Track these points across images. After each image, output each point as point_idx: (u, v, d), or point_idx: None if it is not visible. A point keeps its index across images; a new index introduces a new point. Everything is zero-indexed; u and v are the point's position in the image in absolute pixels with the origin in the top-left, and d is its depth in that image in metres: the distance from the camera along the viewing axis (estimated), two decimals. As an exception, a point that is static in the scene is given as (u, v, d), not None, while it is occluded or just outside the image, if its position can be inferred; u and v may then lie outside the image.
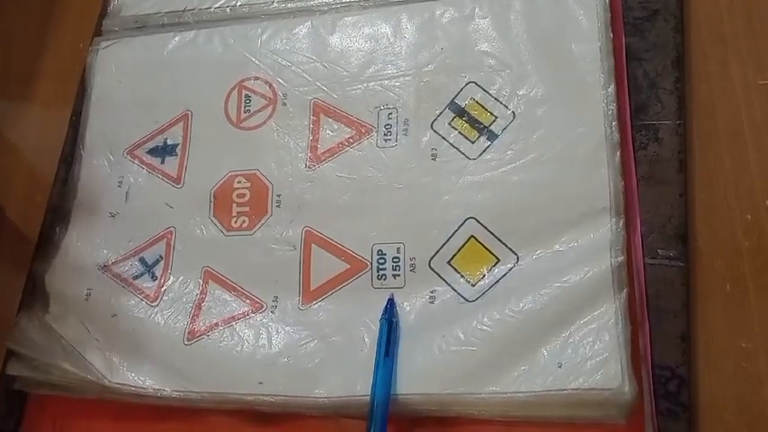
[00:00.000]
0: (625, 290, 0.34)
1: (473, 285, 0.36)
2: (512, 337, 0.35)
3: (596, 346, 0.33)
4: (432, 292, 0.37)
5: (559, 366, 0.33)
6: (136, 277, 0.42)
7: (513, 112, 0.39)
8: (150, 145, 0.45)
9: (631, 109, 0.38)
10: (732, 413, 0.33)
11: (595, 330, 0.33)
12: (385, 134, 0.41)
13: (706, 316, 0.34)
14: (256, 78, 0.45)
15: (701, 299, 0.35)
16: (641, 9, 0.40)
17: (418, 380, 0.35)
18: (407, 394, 0.35)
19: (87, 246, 0.43)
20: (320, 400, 0.36)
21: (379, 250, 0.38)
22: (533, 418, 0.33)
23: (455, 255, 0.37)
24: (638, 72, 0.39)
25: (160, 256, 0.42)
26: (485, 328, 0.35)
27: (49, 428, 0.40)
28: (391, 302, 0.37)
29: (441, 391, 0.34)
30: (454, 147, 0.39)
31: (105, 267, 0.42)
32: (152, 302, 0.41)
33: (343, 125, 0.42)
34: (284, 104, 0.43)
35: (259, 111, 0.44)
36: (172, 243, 0.42)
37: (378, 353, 0.35)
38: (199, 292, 0.40)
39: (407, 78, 0.42)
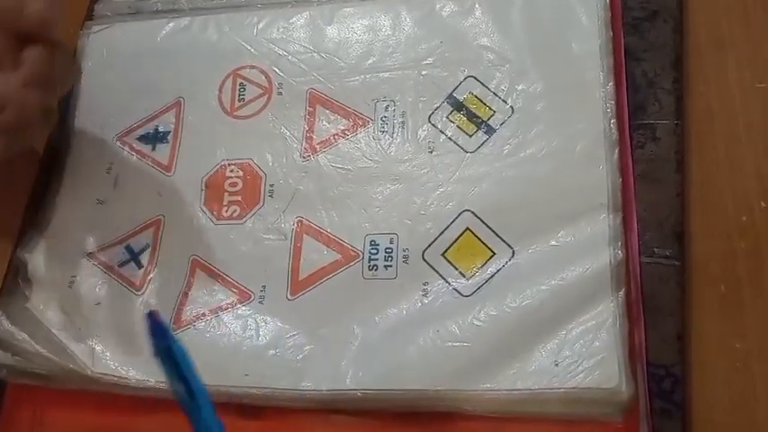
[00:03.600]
0: (623, 288, 0.34)
1: (468, 279, 0.36)
2: (508, 333, 0.34)
3: (594, 345, 0.33)
4: (425, 285, 0.36)
5: (556, 365, 0.33)
6: (121, 265, 0.41)
7: (512, 107, 0.39)
8: (141, 131, 0.44)
9: (629, 108, 0.38)
10: (725, 413, 0.33)
11: (593, 329, 0.33)
12: (382, 126, 0.41)
13: (701, 316, 0.34)
14: (252, 67, 0.44)
15: (696, 298, 0.35)
16: (641, 9, 0.40)
17: (411, 375, 0.34)
18: (400, 390, 0.34)
19: (73, 232, 0.42)
20: (308, 393, 0.35)
21: (371, 241, 0.38)
22: (529, 415, 0.33)
23: (449, 247, 0.37)
24: (636, 72, 0.39)
25: (147, 244, 0.41)
26: (480, 323, 0.35)
27: (29, 419, 0.39)
28: (152, 319, 0.26)
29: (434, 386, 0.34)
30: (452, 140, 0.39)
31: (91, 254, 0.41)
32: (137, 291, 0.40)
33: (339, 116, 0.41)
34: (280, 94, 0.43)
35: (254, 100, 0.43)
36: (160, 231, 0.41)
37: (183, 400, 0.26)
38: (185, 281, 0.40)
39: (406, 71, 0.41)
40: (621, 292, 0.34)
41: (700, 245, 0.36)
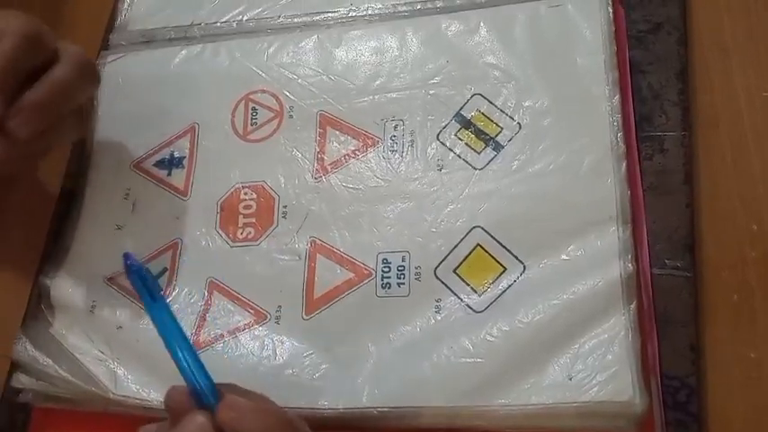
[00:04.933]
0: (635, 300, 0.34)
1: (480, 295, 0.36)
2: (521, 349, 0.34)
3: (607, 358, 0.33)
4: (437, 301, 0.37)
5: (570, 379, 0.33)
6: (141, 289, 0.42)
7: (519, 123, 0.39)
8: (157, 157, 0.45)
9: (636, 120, 0.38)
10: (741, 422, 0.33)
11: (606, 342, 0.33)
12: (391, 146, 0.41)
13: (714, 326, 0.34)
14: (263, 91, 0.45)
15: (708, 309, 0.35)
16: (645, 22, 0.41)
17: (426, 392, 0.35)
18: (415, 407, 0.35)
19: (93, 257, 0.43)
20: (325, 411, 0.36)
21: (384, 259, 0.38)
22: (543, 429, 0.33)
23: (461, 263, 0.37)
24: (642, 84, 0.39)
25: (165, 268, 0.42)
26: (493, 339, 0.35)
27: (53, 441, 0.40)
28: (126, 255, 0.33)
29: (449, 403, 0.34)
30: (460, 158, 0.40)
31: (111, 279, 0.42)
32: (157, 314, 0.41)
33: (349, 137, 0.42)
34: (291, 117, 0.44)
35: (266, 123, 0.44)
36: (177, 254, 0.42)
37: (147, 306, 0.32)
38: (203, 303, 0.40)
39: (413, 91, 0.42)
40: (633, 305, 0.34)
41: (710, 255, 0.36)
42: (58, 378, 0.39)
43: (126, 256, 0.33)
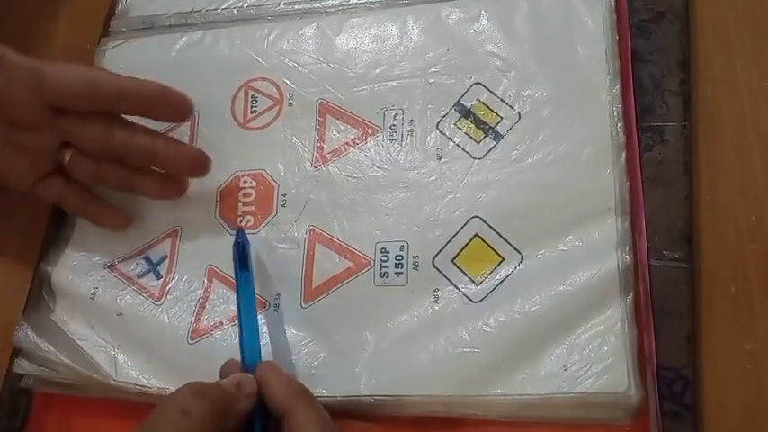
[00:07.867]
0: (632, 292, 0.34)
1: (477, 285, 0.36)
2: (517, 339, 0.34)
3: (602, 350, 0.33)
4: (435, 291, 0.37)
5: (565, 369, 0.33)
6: (140, 276, 0.42)
7: (519, 112, 0.39)
8: (157, 144, 0.45)
9: (637, 110, 0.38)
10: (737, 414, 0.33)
11: (602, 333, 0.33)
12: (390, 135, 0.41)
13: (711, 317, 0.34)
14: (263, 79, 0.45)
15: (706, 300, 0.35)
16: (646, 11, 0.40)
17: (423, 381, 0.35)
18: (412, 395, 0.35)
19: (93, 245, 0.43)
20: (322, 399, 0.36)
21: (382, 248, 0.38)
22: (539, 419, 0.33)
23: (459, 253, 0.37)
24: (643, 74, 0.39)
25: (165, 255, 0.42)
26: (490, 329, 0.35)
27: (55, 427, 0.40)
28: (240, 231, 0.39)
29: (446, 392, 0.34)
30: (460, 147, 0.40)
31: (111, 266, 0.43)
32: (157, 301, 0.41)
33: (349, 126, 0.42)
34: (290, 105, 0.44)
35: (265, 111, 0.44)
36: (177, 242, 0.42)
37: (235, 272, 0.37)
38: (203, 290, 0.40)
39: (413, 79, 0.42)
40: (630, 296, 0.34)
41: (709, 247, 0.36)
42: (59, 364, 0.39)
43: (239, 231, 0.39)
